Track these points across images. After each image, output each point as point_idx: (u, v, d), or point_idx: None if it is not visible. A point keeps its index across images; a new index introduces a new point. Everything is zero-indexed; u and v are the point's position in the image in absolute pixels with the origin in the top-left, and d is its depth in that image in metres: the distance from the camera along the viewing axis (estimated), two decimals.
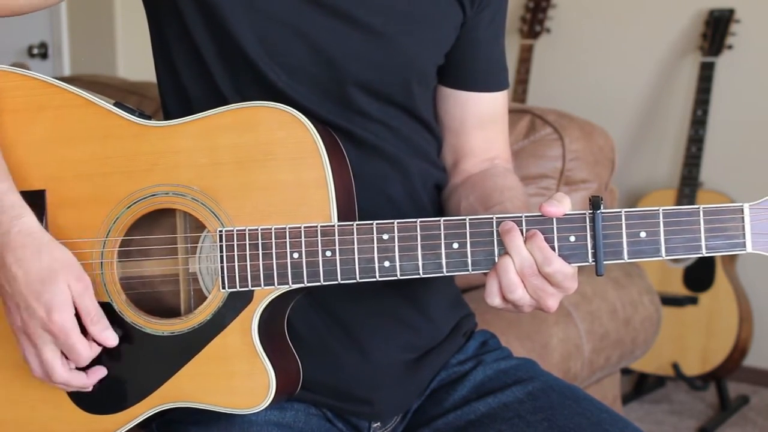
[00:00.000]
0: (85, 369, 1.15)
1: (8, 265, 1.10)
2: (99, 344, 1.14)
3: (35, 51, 4.20)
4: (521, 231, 1.07)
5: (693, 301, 3.32)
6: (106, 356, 1.16)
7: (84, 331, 1.12)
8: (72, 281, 1.11)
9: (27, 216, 1.12)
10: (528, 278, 1.07)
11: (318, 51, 1.20)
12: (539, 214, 1.08)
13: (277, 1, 1.19)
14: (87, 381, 1.15)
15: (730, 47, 3.45)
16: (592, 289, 2.00)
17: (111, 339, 1.13)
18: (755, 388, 3.54)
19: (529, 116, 2.03)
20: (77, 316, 1.12)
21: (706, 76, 3.40)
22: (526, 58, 3.75)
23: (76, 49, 4.19)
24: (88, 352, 1.12)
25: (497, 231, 1.08)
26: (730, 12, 3.45)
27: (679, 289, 3.35)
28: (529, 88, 3.72)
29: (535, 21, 3.80)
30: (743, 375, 3.52)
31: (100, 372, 1.16)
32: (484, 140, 1.36)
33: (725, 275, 3.30)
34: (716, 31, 3.44)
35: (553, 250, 1.07)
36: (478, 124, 1.35)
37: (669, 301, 3.25)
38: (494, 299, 1.10)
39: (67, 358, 1.13)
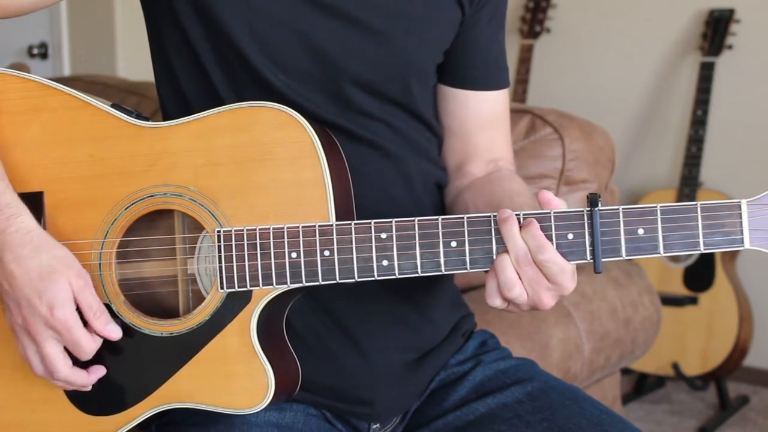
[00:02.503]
0: (85, 367, 1.15)
1: (6, 264, 1.10)
2: (103, 339, 1.14)
3: (35, 51, 4.20)
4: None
5: (693, 301, 3.31)
6: (105, 357, 1.16)
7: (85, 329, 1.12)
8: (72, 278, 1.11)
9: (24, 215, 1.12)
10: (523, 268, 1.07)
11: (316, 50, 1.20)
12: (536, 212, 1.08)
13: (275, 1, 1.19)
14: (87, 379, 1.15)
15: (730, 47, 3.45)
16: (592, 289, 2.00)
17: (114, 332, 1.13)
18: (755, 388, 3.53)
19: (529, 116, 2.03)
20: (79, 313, 1.12)
21: (706, 76, 3.40)
22: (526, 58, 3.75)
23: (76, 49, 4.19)
24: (91, 344, 1.12)
25: (495, 229, 1.08)
26: (730, 12, 3.45)
27: (679, 289, 3.35)
28: (529, 88, 3.71)
29: (535, 21, 3.79)
30: (743, 375, 3.52)
31: (100, 371, 1.15)
32: (487, 141, 1.36)
33: (725, 275, 3.30)
34: (716, 31, 3.44)
35: None
36: (479, 124, 1.35)
37: (669, 301, 3.24)
38: (494, 300, 1.10)
39: (68, 356, 1.13)
